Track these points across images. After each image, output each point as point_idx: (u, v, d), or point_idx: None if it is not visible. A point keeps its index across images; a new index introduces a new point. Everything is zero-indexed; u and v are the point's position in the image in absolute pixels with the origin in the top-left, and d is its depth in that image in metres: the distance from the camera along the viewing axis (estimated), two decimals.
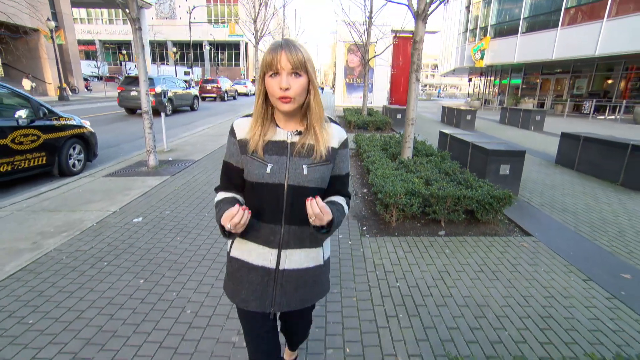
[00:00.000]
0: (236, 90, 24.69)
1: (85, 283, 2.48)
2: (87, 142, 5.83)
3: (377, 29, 12.43)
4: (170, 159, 6.36)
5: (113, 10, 50.98)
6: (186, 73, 40.29)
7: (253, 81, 30.64)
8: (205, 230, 3.39)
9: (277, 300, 1.06)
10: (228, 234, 0.99)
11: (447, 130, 6.37)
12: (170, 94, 13.25)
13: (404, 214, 3.46)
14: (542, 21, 17.78)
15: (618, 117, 15.01)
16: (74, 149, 5.55)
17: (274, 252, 1.04)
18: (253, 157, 1.01)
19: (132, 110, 13.46)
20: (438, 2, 4.50)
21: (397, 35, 17.00)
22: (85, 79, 26.75)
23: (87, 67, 36.23)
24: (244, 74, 51.10)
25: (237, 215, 0.88)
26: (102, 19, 54.72)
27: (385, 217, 3.50)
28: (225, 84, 22.20)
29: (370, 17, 11.21)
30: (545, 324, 2.11)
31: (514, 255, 2.98)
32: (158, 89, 8.73)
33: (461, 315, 2.20)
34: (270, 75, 0.93)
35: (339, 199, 1.11)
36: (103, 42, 54.95)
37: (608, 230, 3.49)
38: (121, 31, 53.83)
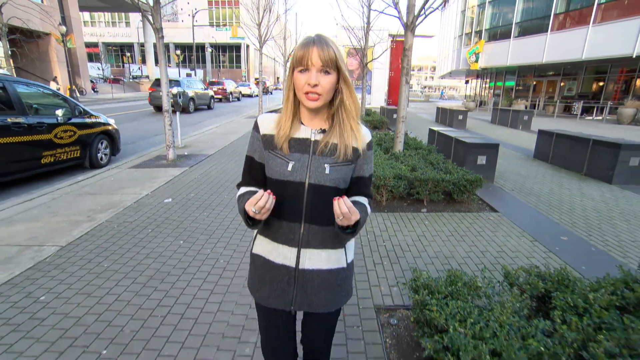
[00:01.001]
0: (240, 92, 25.54)
1: (138, 242, 3.16)
2: (112, 138, 6.49)
3: (375, 34, 13.13)
4: (186, 153, 7.04)
5: (116, 13, 51.71)
6: (188, 75, 41.08)
7: (257, 83, 31.48)
8: (226, 208, 4.07)
9: (298, 299, 1.05)
10: (252, 223, 0.98)
11: (437, 127, 7.06)
12: (192, 94, 14.86)
13: (392, 195, 4.14)
14: (533, 26, 18.54)
15: (604, 117, 15.74)
16: (102, 144, 6.22)
17: (294, 250, 1.03)
18: (276, 154, 1.00)
19: (160, 107, 14.98)
20: (424, 15, 5.19)
21: (395, 39, 17.73)
22: (92, 81, 27.45)
23: (91, 69, 36.98)
24: (245, 76, 51.86)
25: (262, 199, 0.87)
26: (104, 22, 55.56)
27: (376, 197, 4.18)
28: (230, 85, 23.05)
29: (368, 23, 11.91)
30: (493, 268, 2.79)
31: (480, 225, 3.67)
32: (174, 90, 9.45)
33: (431, 263, 2.88)
34: (300, 71, 0.92)
35: (362, 199, 1.09)
36: (106, 45, 55.73)
37: (562, 208, 4.18)
38: (124, 34, 54.66)
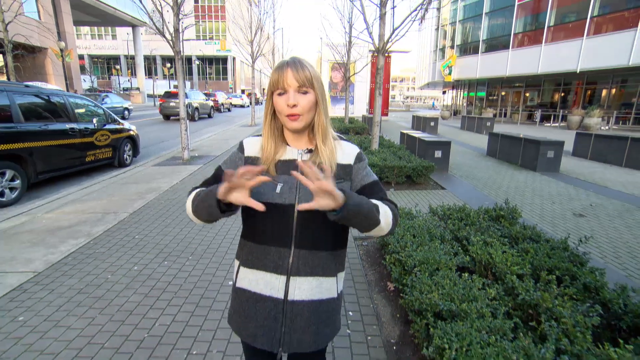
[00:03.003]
0: (230, 103, 26.92)
1: (184, 210, 4.38)
2: (134, 142, 7.65)
3: (356, 51, 14.73)
4: (196, 154, 8.25)
5: (102, 26, 52.26)
6: (175, 87, 42.05)
7: (248, 94, 33.02)
8: None
9: (285, 338, 0.97)
10: (224, 208, 0.88)
11: (406, 131, 8.56)
12: (196, 105, 16.95)
13: None
14: (497, 43, 20.74)
15: (559, 124, 17.82)
16: (127, 146, 7.37)
17: (282, 279, 0.97)
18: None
19: (168, 116, 17.18)
20: (391, 42, 6.67)
21: (375, 54, 19.49)
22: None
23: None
24: (232, 88, 53.09)
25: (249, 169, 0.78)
26: (90, 34, 56.00)
27: None
28: (221, 97, 24.39)
29: (350, 42, 13.50)
30: None
31: (431, 197, 5.07)
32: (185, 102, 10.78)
33: None
34: (279, 94, 0.92)
35: (376, 201, 0.95)
36: (91, 57, 56.06)
37: (492, 187, 5.65)
38: (110, 46, 55.20)
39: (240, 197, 0.82)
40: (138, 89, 33.10)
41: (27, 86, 5.22)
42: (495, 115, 22.03)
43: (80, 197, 4.83)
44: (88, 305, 2.35)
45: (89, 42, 55.29)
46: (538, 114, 19.08)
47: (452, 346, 1.50)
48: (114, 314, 2.27)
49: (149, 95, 34.93)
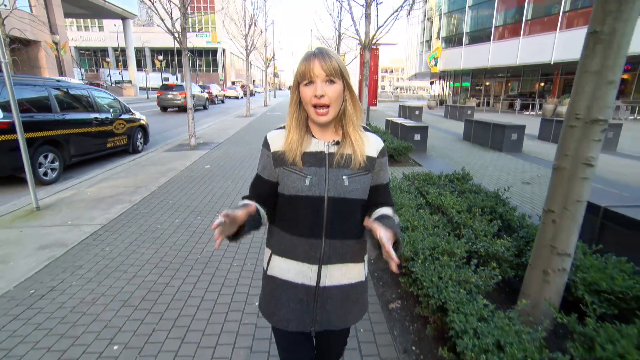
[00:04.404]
0: (224, 95, 27.52)
1: (204, 184, 5.24)
2: (145, 130, 8.40)
3: (346, 44, 15.52)
4: (201, 142, 9.03)
5: (90, 19, 51.51)
6: (166, 79, 41.95)
7: (242, 86, 33.49)
8: (249, 169, 6.18)
9: (318, 318, 1.04)
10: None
11: (390, 118, 9.49)
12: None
13: None
14: (480, 35, 21.70)
15: (536, 112, 19.00)
16: (139, 134, 8.11)
17: (314, 268, 1.01)
18: (290, 170, 0.99)
19: (165, 108, 17.92)
20: (376, 40, 7.53)
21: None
22: None
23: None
24: (222, 80, 53.09)
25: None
26: (76, 26, 55.09)
27: None
28: (215, 89, 24.99)
29: (339, 35, 14.27)
30: None
31: (409, 170, 6.00)
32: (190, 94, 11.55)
33: None
34: (305, 84, 0.94)
35: (389, 211, 1.03)
36: (78, 49, 55.28)
37: (461, 163, 6.64)
38: (97, 38, 54.47)
39: (234, 226, 0.89)
40: (130, 81, 33.20)
41: (58, 81, 5.94)
42: (478, 105, 23.13)
43: (110, 176, 5.63)
44: (151, 242, 3.23)
45: (75, 34, 54.26)
46: (518, 103, 20.22)
47: (404, 241, 2.43)
48: (172, 246, 3.16)
49: (141, 88, 35.04)
